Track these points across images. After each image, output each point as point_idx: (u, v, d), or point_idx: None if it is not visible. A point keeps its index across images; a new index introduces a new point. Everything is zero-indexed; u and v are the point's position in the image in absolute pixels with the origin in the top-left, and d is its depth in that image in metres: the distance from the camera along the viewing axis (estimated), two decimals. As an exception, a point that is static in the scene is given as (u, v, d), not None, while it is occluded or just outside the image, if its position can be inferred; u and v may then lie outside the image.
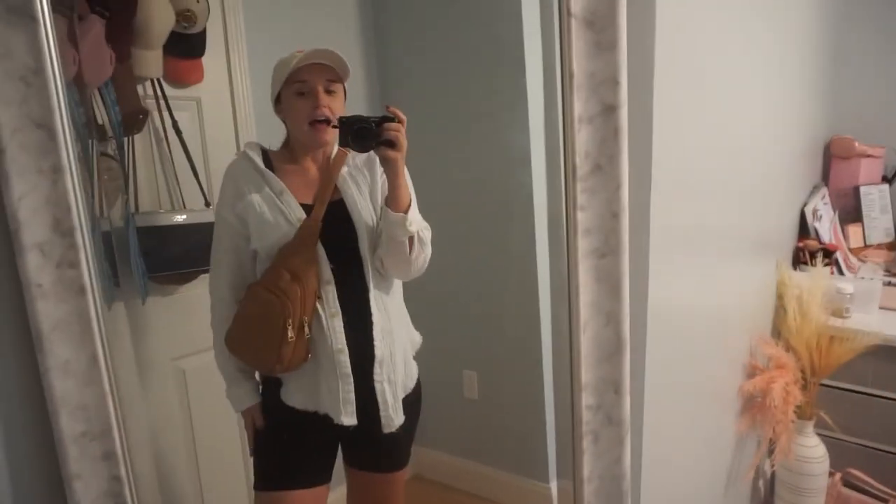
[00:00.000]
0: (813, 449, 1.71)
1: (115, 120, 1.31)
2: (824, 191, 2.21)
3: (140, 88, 1.41)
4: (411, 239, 1.09)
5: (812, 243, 2.00)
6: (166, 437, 1.46)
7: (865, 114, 2.30)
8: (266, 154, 1.17)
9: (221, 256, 1.18)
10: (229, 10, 1.57)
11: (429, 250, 1.15)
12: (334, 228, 1.12)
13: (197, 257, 1.42)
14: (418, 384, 1.26)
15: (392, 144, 1.03)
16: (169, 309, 1.45)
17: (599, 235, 0.90)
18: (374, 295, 1.14)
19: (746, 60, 1.43)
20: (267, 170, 1.13)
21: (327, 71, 1.10)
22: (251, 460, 1.23)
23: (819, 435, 1.75)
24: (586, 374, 0.92)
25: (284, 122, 1.17)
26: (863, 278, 2.00)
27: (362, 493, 1.31)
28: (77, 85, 1.16)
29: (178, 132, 1.47)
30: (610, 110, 0.86)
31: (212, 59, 1.54)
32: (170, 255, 1.40)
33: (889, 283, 1.96)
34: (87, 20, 1.21)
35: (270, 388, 1.19)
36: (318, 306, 1.10)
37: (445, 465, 2.16)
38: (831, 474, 1.78)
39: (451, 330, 2.02)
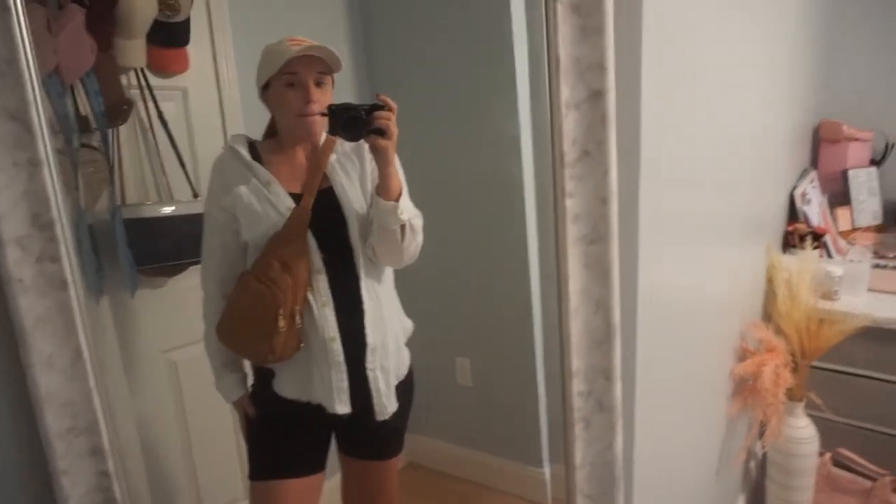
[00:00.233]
0: (803, 430, 1.73)
1: (98, 111, 1.29)
2: (813, 174, 2.21)
3: (124, 79, 1.38)
4: (403, 227, 1.08)
5: (801, 227, 2.00)
6: (159, 429, 1.46)
7: (854, 98, 2.30)
8: (253, 146, 1.16)
9: (209, 252, 1.18)
10: (213, -2, 1.54)
11: (420, 238, 1.14)
12: (324, 217, 1.11)
13: (185, 249, 1.40)
14: (410, 371, 1.27)
15: (382, 133, 1.03)
16: (158, 301, 1.44)
17: (588, 222, 0.89)
18: (364, 283, 1.14)
19: (736, 45, 1.42)
20: (254, 161, 1.12)
21: (318, 63, 1.09)
22: (245, 450, 1.23)
23: (809, 416, 1.76)
24: (577, 360, 0.92)
25: (271, 109, 1.16)
26: (851, 261, 2.01)
27: (357, 481, 1.32)
28: (59, 76, 1.13)
29: (164, 123, 1.45)
30: (597, 96, 0.86)
31: (197, 49, 1.52)
32: (158, 247, 1.39)
33: (877, 266, 1.97)
34: (67, 9, 1.18)
35: (263, 379, 1.18)
36: (310, 295, 1.10)
37: (439, 452, 2.17)
38: (821, 454, 1.80)
39: (443, 317, 2.02)
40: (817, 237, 1.97)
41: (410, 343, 1.27)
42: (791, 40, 1.90)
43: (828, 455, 1.85)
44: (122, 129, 1.38)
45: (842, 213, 2.24)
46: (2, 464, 0.82)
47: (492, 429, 2.10)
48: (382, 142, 1.03)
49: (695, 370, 1.42)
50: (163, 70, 1.46)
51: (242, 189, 1.10)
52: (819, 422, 1.77)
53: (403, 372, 1.24)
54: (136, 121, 1.42)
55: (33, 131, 0.72)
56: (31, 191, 0.73)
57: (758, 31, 1.57)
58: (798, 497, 1.75)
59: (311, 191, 1.11)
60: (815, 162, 2.33)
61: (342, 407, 1.12)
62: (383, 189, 1.07)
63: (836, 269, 1.84)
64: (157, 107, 1.44)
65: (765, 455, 1.83)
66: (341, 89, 1.15)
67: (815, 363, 1.78)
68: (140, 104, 1.42)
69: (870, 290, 1.91)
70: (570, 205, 0.88)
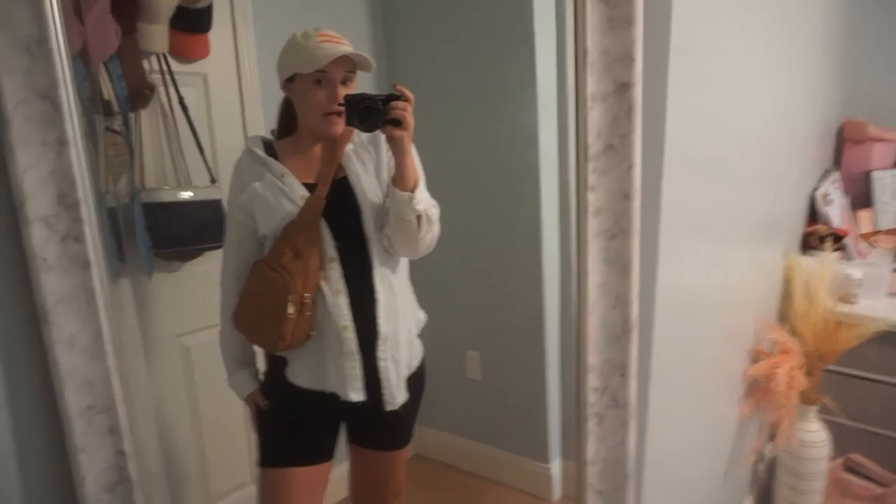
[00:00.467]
0: (815, 434, 1.71)
1: (121, 95, 1.30)
2: (836, 175, 2.18)
3: (146, 63, 1.39)
4: (419, 217, 1.08)
5: (822, 228, 1.98)
6: (170, 412, 1.47)
7: (879, 96, 2.25)
8: (270, 144, 1.17)
9: (227, 248, 1.19)
10: (235, -16, 1.54)
11: (437, 228, 1.14)
12: (338, 206, 1.11)
13: (202, 234, 1.41)
14: (423, 363, 1.27)
15: (398, 123, 1.02)
16: (173, 285, 1.45)
17: (610, 216, 0.89)
18: (378, 272, 1.14)
19: (760, 41, 1.40)
20: (268, 157, 1.13)
21: (347, 62, 1.09)
22: (254, 436, 1.24)
23: (821, 420, 1.75)
24: (593, 356, 0.92)
25: (294, 101, 1.16)
26: (872, 264, 1.98)
27: (365, 471, 1.32)
28: (83, 59, 1.14)
29: (185, 108, 1.46)
30: (624, 88, 0.85)
31: (218, 35, 1.52)
32: (174, 231, 1.40)
33: (898, 270, 1.94)
34: (93, -8, 1.19)
35: (276, 368, 1.19)
36: (323, 284, 1.10)
37: (446, 445, 2.18)
38: (832, 459, 1.79)
39: (454, 310, 2.02)
40: (838, 239, 1.94)
41: (421, 335, 1.27)
42: (816, 37, 1.87)
43: (839, 460, 1.83)
44: (143, 113, 1.39)
45: (864, 215, 2.20)
46: (23, 440, 0.83)
47: (499, 423, 2.10)
48: (398, 132, 1.03)
49: (708, 369, 1.41)
50: (184, 55, 1.47)
51: (257, 184, 1.11)
52: (831, 425, 1.75)
53: (415, 363, 1.24)
54: (157, 105, 1.43)
55: (62, 111, 0.73)
56: (59, 170, 0.74)
57: (783, 29, 1.55)
58: (807, 501, 1.73)
59: (325, 180, 1.11)
60: (837, 162, 2.29)
61: (355, 395, 1.13)
62: (399, 179, 1.06)
63: (855, 271, 1.81)
64: (177, 92, 1.45)
65: (775, 457, 1.81)
66: (360, 79, 1.15)
67: (829, 366, 1.76)
68: (161, 89, 1.43)
69: (890, 293, 1.88)
70: (593, 198, 0.87)
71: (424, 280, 1.30)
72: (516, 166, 1.84)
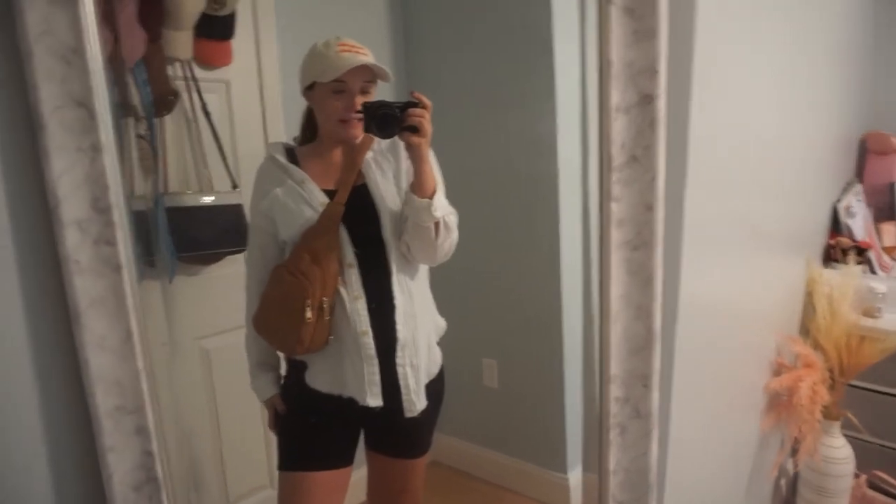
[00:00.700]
0: (839, 450, 1.68)
1: (146, 100, 1.32)
2: (859, 187, 2.15)
3: (170, 70, 1.41)
4: (437, 224, 1.09)
5: (844, 240, 1.95)
6: (190, 414, 1.48)
7: (901, 109, 2.23)
8: (291, 151, 1.18)
9: (250, 254, 1.21)
10: (259, -7, 1.57)
11: (455, 235, 1.15)
12: (358, 212, 1.12)
13: (224, 238, 1.43)
14: (442, 371, 1.26)
15: (416, 130, 1.03)
16: (194, 289, 1.46)
17: (633, 227, 0.88)
18: (397, 279, 1.14)
19: (782, 52, 1.39)
20: (289, 163, 1.14)
21: (366, 72, 1.10)
22: (273, 439, 1.25)
23: (845, 436, 1.72)
24: (615, 366, 0.91)
25: (314, 109, 1.18)
26: None
27: (382, 478, 1.32)
28: (111, 65, 1.16)
29: (207, 114, 1.48)
30: (647, 100, 0.85)
31: (241, 42, 1.55)
32: (196, 235, 1.41)
33: (923, 284, 1.91)
34: (121, 0, 1.22)
35: (296, 372, 1.20)
36: (342, 289, 1.11)
37: (462, 453, 2.17)
38: (856, 476, 1.75)
39: (472, 318, 2.02)
40: (861, 251, 1.91)
41: (438, 342, 1.27)
42: (838, 48, 1.85)
43: (863, 477, 1.80)
44: (168, 119, 1.42)
45: (887, 227, 2.17)
46: (53, 438, 0.84)
47: (515, 432, 2.09)
48: (416, 139, 1.03)
49: (729, 381, 1.40)
50: (208, 62, 1.50)
51: (278, 191, 1.13)
52: (855, 442, 1.72)
53: (435, 370, 1.24)
54: (181, 111, 1.45)
55: (97, 118, 0.75)
56: (92, 175, 0.75)
57: (805, 39, 1.54)
58: (830, 518, 1.70)
59: (345, 186, 1.12)
60: (859, 174, 2.26)
61: (374, 400, 1.13)
62: (417, 186, 1.07)
63: (879, 285, 1.79)
64: (201, 98, 1.47)
65: (797, 473, 1.79)
66: (380, 84, 1.16)
67: (853, 381, 1.73)
68: (185, 95, 1.45)
69: (914, 308, 1.85)
70: (616, 209, 0.87)
71: (442, 287, 1.30)
72: (535, 175, 1.84)
